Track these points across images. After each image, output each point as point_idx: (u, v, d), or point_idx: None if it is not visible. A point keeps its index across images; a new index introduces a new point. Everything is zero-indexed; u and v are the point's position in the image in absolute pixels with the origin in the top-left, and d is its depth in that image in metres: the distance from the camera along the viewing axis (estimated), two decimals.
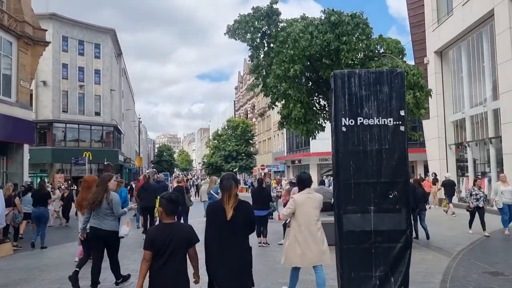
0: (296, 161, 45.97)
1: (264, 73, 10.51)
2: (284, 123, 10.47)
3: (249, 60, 10.98)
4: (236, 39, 10.49)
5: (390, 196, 4.84)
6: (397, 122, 4.92)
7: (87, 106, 42.79)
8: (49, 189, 14.85)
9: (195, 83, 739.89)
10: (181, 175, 47.01)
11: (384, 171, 4.85)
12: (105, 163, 41.99)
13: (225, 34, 10.66)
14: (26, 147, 20.15)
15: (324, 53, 9.00)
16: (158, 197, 6.02)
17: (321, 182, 11.80)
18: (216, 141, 55.50)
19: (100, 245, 6.03)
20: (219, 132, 57.10)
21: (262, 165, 51.71)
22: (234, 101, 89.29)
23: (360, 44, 8.98)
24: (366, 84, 4.95)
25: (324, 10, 8.98)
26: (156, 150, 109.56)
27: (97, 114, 43.65)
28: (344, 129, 4.91)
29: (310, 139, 37.85)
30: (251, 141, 56.55)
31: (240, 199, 3.76)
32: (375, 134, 4.88)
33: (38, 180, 35.10)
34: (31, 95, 39.43)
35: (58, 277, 7.31)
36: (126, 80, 64.11)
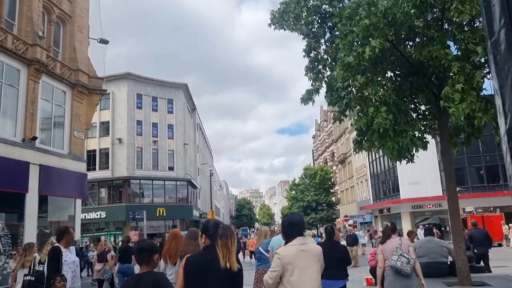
0: (385, 210, 40.60)
1: (328, 72, 7.27)
2: (363, 141, 6.95)
3: (304, 55, 7.72)
4: (285, 29, 7.56)
5: None
6: None
7: (160, 162, 42.33)
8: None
9: (275, 137, 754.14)
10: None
11: None
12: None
13: (269, 25, 7.78)
14: (78, 202, 18.56)
15: (416, 25, 5.61)
16: None
17: (428, 231, 7.68)
18: (293, 192, 51.85)
19: None
20: (296, 182, 53.50)
21: (346, 216, 46.71)
22: (312, 150, 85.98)
23: None
24: None
25: None
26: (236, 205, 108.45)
27: (171, 169, 42.91)
28: None
29: (399, 183, 32.18)
30: (331, 190, 52.03)
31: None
32: None
33: (112, 238, 34.37)
34: (107, 153, 40.22)
35: None
36: (202, 135, 64.26)
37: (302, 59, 7.47)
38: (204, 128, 67.87)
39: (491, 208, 30.92)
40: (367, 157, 45.25)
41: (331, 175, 54.89)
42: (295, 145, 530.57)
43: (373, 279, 6.74)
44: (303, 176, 52.36)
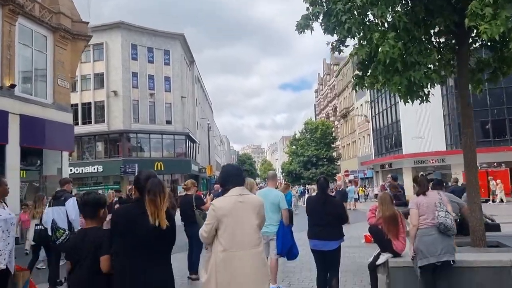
0: (386, 165, 39.89)
1: None
2: (363, 74, 5.83)
3: None
4: None
5: None
6: None
7: (158, 115, 41.24)
8: None
9: (277, 93, 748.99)
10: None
11: None
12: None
13: None
14: (65, 154, 17.70)
15: None
16: None
17: (438, 183, 6.69)
18: (294, 147, 51.06)
19: None
20: (296, 136, 52.56)
21: (346, 171, 46.21)
22: (315, 105, 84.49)
23: None
24: None
25: None
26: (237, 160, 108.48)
27: (168, 122, 41.88)
28: None
29: (402, 138, 31.24)
30: (332, 145, 51.21)
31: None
32: None
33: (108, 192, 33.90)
34: (103, 106, 39.11)
35: None
36: (201, 89, 62.72)
37: (305, 11, 5.93)
38: (204, 82, 66.15)
39: (495, 164, 30.11)
40: (370, 111, 44.04)
41: (333, 129, 53.87)
42: (298, 101, 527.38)
43: (372, 237, 5.95)
44: (304, 130, 51.40)
